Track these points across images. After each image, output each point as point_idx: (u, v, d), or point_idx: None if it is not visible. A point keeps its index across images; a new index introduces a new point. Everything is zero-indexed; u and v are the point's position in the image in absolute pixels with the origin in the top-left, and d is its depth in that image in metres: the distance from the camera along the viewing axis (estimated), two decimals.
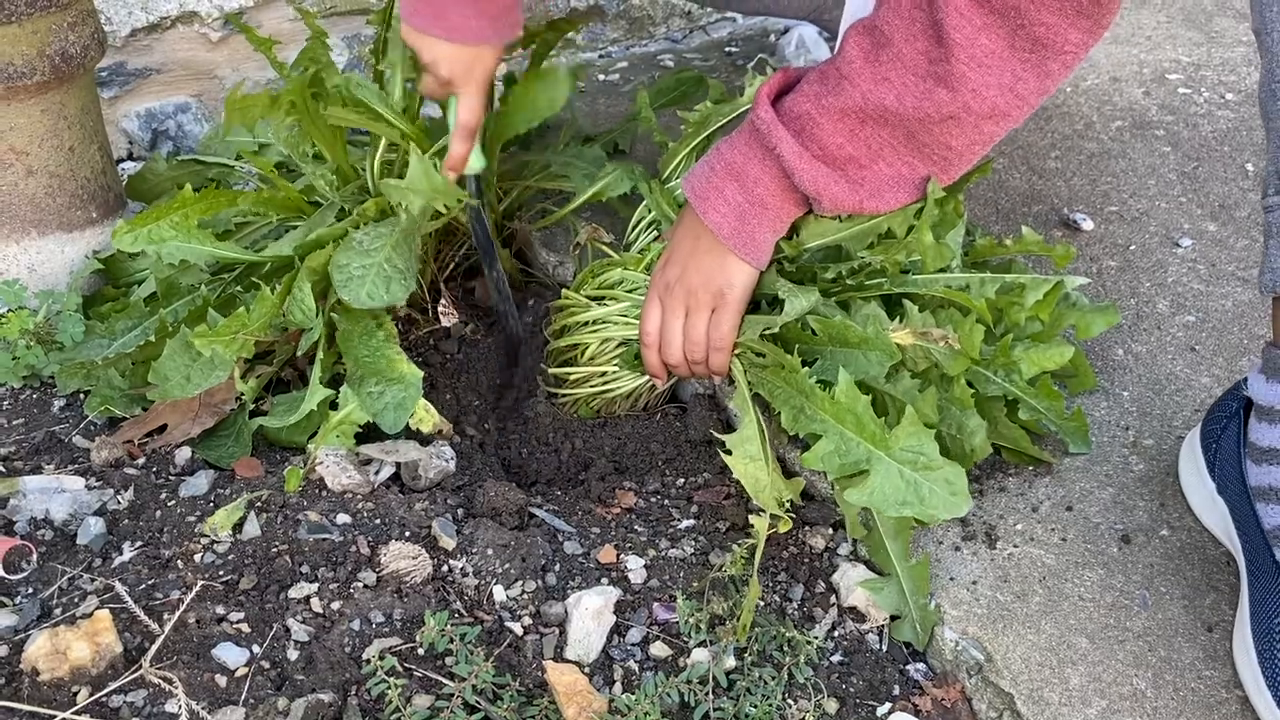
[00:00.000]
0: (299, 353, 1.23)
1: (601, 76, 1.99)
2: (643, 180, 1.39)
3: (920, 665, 1.04)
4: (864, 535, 1.09)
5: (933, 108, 0.98)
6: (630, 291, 1.27)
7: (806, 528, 1.14)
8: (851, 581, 1.07)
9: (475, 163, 1.29)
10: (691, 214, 1.15)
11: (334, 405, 1.16)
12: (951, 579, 1.06)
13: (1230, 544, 1.04)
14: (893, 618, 1.06)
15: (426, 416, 1.19)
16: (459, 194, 1.23)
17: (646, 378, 1.27)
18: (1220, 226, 1.52)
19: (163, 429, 1.23)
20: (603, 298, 1.29)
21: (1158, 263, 1.46)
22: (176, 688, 0.88)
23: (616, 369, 1.27)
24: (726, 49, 2.09)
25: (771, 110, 1.06)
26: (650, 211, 1.34)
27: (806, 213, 1.12)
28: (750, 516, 1.06)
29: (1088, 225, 1.52)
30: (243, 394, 1.22)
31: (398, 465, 1.18)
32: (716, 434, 1.18)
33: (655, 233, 1.33)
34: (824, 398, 1.06)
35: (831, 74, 1.03)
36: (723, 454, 1.09)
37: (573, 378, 1.31)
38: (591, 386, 1.30)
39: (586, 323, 1.29)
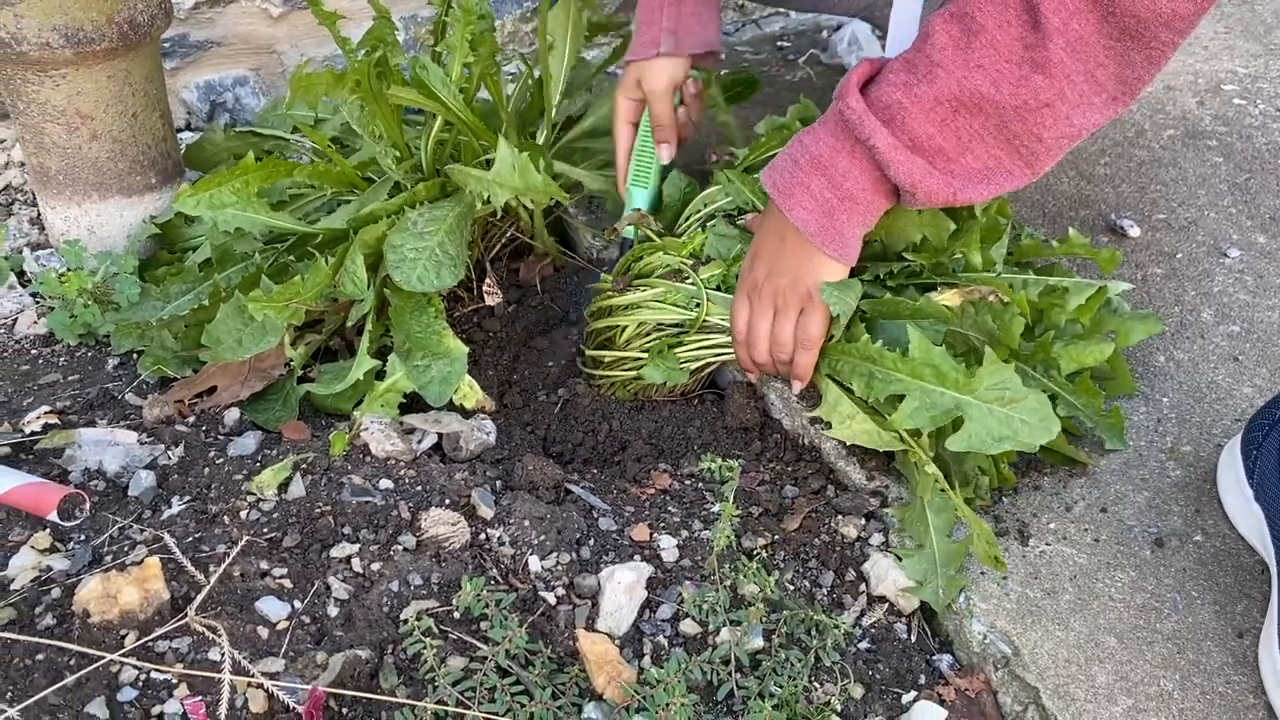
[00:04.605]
0: (349, 323, 1.26)
1: None
2: (692, 186, 1.41)
3: (947, 656, 1.05)
4: (902, 510, 1.10)
5: (1030, 94, 0.96)
6: (664, 276, 1.29)
7: (839, 517, 1.15)
8: (883, 571, 1.08)
9: (641, 201, 1.38)
10: (775, 210, 1.12)
11: (380, 375, 1.19)
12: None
13: (1264, 550, 1.04)
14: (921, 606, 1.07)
15: (470, 392, 1.21)
16: (555, 191, 1.22)
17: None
18: (1270, 239, 1.51)
19: (212, 390, 1.26)
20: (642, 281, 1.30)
21: (1204, 272, 1.45)
22: (220, 637, 0.91)
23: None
24: (778, 43, 2.10)
25: (862, 100, 1.03)
26: (704, 206, 1.35)
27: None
28: (713, 463, 1.07)
29: (1135, 232, 1.52)
30: (291, 360, 1.25)
31: (440, 436, 1.20)
32: (806, 413, 1.20)
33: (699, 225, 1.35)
34: (894, 358, 1.07)
35: (921, 62, 1.00)
36: (823, 430, 1.11)
37: (607, 360, 1.33)
38: (626, 370, 1.32)
39: (625, 306, 1.31)
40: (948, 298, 1.10)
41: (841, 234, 1.08)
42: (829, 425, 1.12)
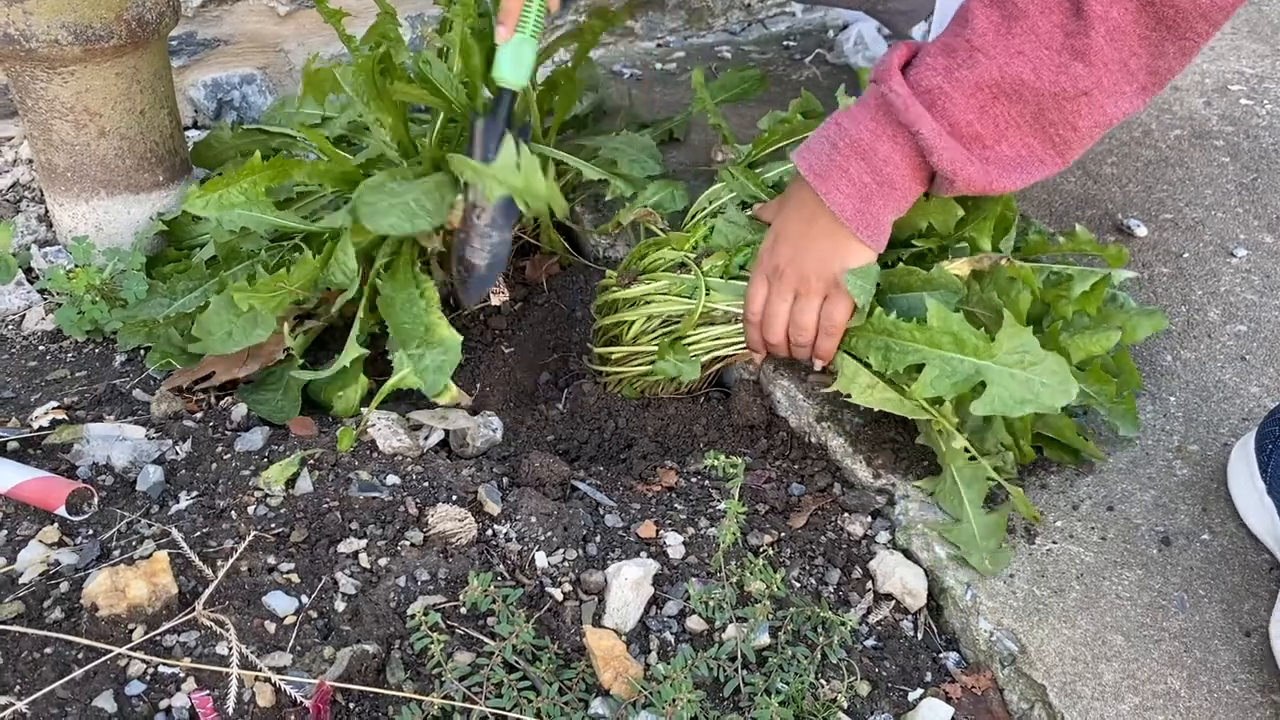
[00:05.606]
0: (333, 310, 1.25)
1: (659, 65, 2.01)
2: (682, 191, 1.41)
3: (953, 654, 1.05)
4: (933, 483, 1.12)
5: (1069, 82, 0.96)
6: (668, 270, 1.29)
7: (846, 514, 1.15)
8: (889, 568, 1.08)
9: (515, 72, 1.16)
10: (805, 193, 1.11)
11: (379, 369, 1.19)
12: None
13: (1275, 545, 1.04)
14: (935, 596, 1.07)
15: (445, 390, 1.19)
16: (557, 201, 1.14)
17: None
18: (1277, 239, 1.51)
19: (212, 377, 1.26)
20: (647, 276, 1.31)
21: (1211, 271, 1.45)
22: (228, 631, 0.91)
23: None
24: (784, 43, 2.10)
25: (906, 84, 1.02)
26: (710, 204, 1.35)
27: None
28: (719, 461, 1.07)
29: (1141, 231, 1.52)
30: (291, 348, 1.25)
31: (446, 432, 1.20)
32: (825, 390, 1.20)
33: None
34: (911, 329, 1.07)
35: (960, 47, 0.99)
36: (845, 399, 1.12)
37: (615, 356, 1.33)
38: (635, 365, 1.32)
39: (631, 300, 1.31)
40: (958, 266, 1.10)
41: (877, 219, 1.08)
42: (849, 397, 1.12)
